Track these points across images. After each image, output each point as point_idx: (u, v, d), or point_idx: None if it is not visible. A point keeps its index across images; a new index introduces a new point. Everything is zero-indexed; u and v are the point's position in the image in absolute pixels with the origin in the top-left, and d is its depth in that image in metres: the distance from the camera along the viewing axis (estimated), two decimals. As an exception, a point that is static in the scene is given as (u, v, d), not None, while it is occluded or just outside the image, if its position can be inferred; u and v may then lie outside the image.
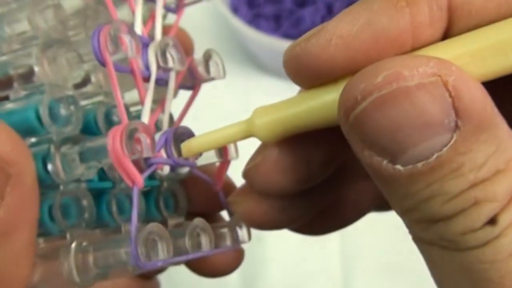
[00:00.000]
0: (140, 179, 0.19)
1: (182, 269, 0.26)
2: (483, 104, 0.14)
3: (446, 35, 0.16)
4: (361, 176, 0.23)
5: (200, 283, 0.42)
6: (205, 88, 0.25)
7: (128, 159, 0.18)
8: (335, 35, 0.16)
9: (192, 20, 0.21)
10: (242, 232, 0.23)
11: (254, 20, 0.56)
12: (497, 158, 0.14)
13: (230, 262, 0.24)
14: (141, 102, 0.21)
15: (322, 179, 0.20)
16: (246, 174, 0.21)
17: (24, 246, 0.18)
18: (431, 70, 0.14)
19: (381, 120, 0.14)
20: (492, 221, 0.14)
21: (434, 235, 0.15)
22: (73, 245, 0.19)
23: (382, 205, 0.28)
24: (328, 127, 0.18)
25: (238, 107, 0.52)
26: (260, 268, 0.47)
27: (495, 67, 0.15)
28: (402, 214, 0.16)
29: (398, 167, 0.14)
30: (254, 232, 0.23)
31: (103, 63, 0.19)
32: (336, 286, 0.47)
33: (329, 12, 0.56)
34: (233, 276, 0.47)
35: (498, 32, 0.15)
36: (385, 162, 0.15)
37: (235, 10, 0.57)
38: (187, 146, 0.21)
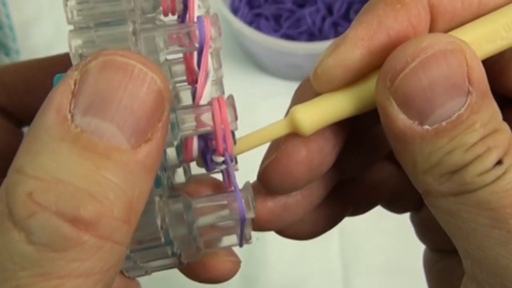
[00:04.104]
0: (232, 147, 0.20)
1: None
2: (485, 77, 0.19)
3: (431, 29, 0.20)
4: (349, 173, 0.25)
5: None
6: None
7: (229, 127, 0.20)
8: (358, 39, 0.20)
9: (192, 20, 0.21)
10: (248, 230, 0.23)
11: (254, 20, 0.56)
12: (495, 119, 0.18)
13: (228, 269, 0.25)
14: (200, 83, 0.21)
15: (327, 168, 0.23)
16: (265, 169, 0.23)
17: (150, 187, 0.17)
18: (458, 41, 0.19)
19: (423, 80, 0.18)
20: (500, 162, 0.18)
21: (453, 185, 0.18)
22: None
23: (388, 204, 0.28)
24: (355, 115, 0.21)
25: (238, 107, 0.53)
26: (260, 268, 0.47)
27: (489, 50, 0.20)
28: (425, 173, 0.19)
29: (426, 126, 0.18)
30: (254, 232, 0.23)
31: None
32: (336, 286, 0.47)
33: (330, 13, 0.56)
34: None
35: (487, 25, 0.20)
36: (415, 123, 0.18)
37: (235, 10, 0.57)
38: (239, 143, 0.22)
